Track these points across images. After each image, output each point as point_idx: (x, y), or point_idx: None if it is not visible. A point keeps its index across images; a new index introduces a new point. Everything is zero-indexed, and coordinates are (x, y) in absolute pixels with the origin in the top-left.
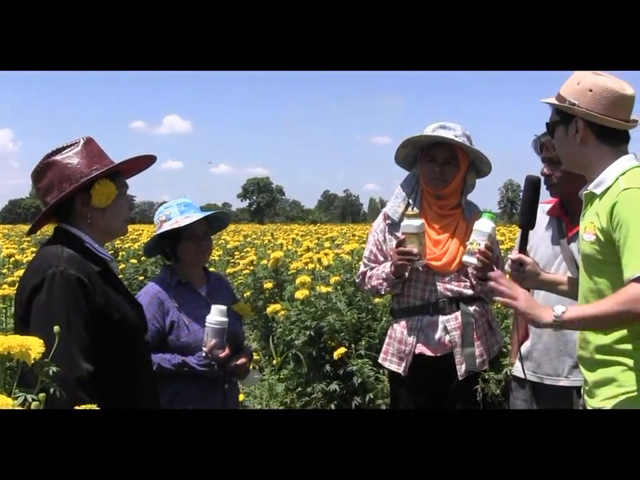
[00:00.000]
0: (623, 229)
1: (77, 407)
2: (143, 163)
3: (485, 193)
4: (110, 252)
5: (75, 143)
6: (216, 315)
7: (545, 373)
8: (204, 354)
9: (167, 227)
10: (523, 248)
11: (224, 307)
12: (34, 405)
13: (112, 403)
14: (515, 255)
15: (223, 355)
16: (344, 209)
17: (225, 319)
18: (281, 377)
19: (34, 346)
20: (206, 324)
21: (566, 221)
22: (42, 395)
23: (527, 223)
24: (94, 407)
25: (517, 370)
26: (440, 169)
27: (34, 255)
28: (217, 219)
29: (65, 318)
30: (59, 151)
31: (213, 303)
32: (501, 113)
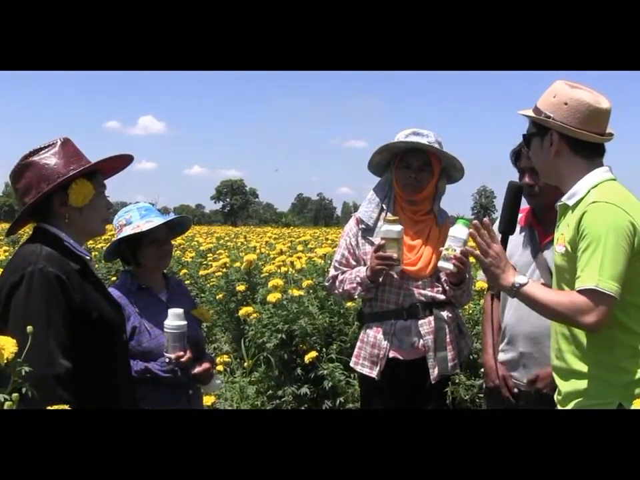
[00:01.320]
0: (586, 239)
1: (54, 404)
2: (121, 162)
3: (459, 199)
4: None
5: (52, 143)
6: (173, 319)
7: (520, 379)
8: (167, 359)
9: (128, 230)
10: None
11: (180, 310)
12: (7, 406)
13: (90, 401)
14: None
15: (184, 359)
16: (317, 212)
17: (184, 322)
18: (252, 379)
19: (7, 345)
20: (165, 329)
21: (538, 229)
22: (15, 395)
23: (507, 229)
24: (71, 404)
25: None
26: (415, 175)
27: (9, 252)
28: (178, 223)
29: (44, 315)
30: (36, 151)
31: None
32: (476, 119)
